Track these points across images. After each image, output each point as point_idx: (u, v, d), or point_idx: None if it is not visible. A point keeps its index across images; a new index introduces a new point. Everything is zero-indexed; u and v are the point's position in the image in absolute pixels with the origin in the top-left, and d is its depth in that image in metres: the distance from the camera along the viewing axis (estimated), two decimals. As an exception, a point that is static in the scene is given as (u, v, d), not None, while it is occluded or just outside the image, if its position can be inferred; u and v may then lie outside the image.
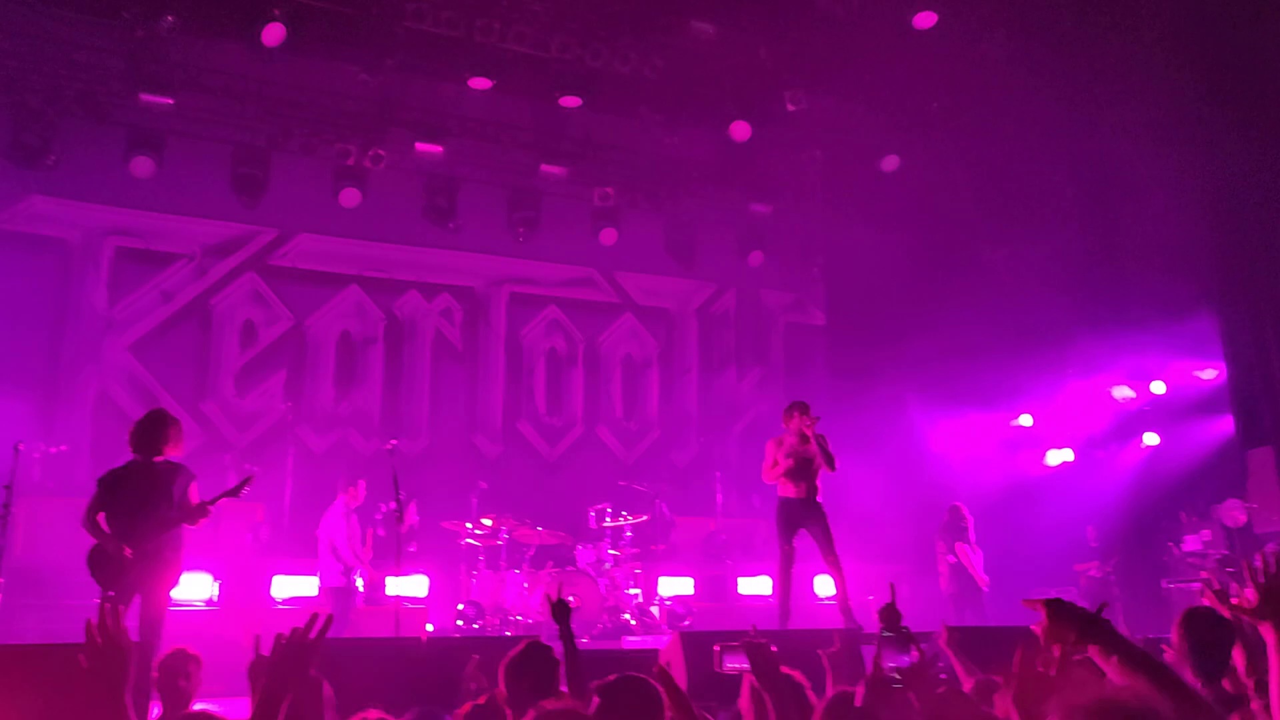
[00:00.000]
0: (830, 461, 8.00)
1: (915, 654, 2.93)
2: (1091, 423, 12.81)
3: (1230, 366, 10.70)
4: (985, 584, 10.44)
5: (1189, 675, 3.46)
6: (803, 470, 8.05)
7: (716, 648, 3.19)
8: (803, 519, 8.07)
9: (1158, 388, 12.20)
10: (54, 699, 4.11)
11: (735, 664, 3.15)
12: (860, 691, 2.92)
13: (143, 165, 10.82)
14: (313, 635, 2.45)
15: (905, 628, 3.00)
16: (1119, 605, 9.50)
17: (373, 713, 3.73)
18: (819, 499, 8.15)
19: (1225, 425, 11.01)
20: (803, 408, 8.16)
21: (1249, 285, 10.08)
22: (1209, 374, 11.32)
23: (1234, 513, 10.19)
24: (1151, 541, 11.13)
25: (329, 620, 2.49)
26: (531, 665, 4.14)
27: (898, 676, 2.93)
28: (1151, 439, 12.21)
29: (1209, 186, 10.31)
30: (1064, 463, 12.97)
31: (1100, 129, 10.76)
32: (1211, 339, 10.84)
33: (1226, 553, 9.99)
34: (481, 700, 4.08)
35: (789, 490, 8.09)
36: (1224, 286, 10.37)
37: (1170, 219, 10.76)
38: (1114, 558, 11.00)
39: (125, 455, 6.75)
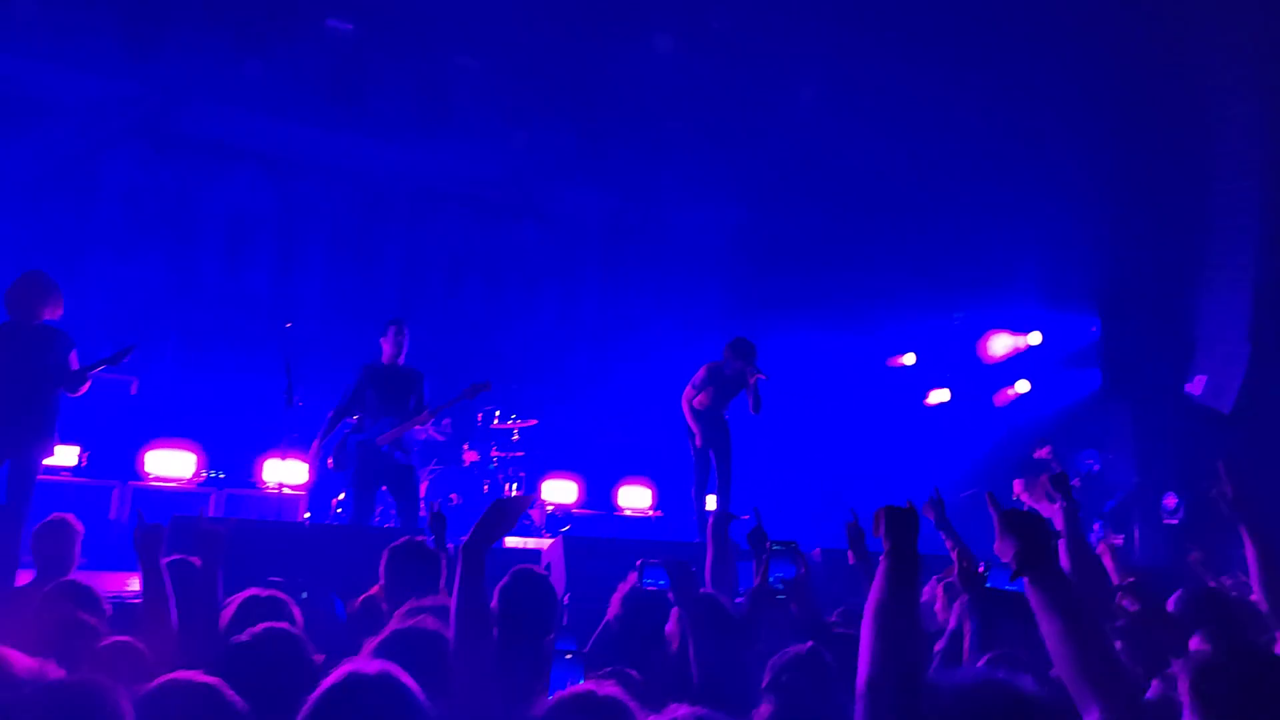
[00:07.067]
0: (757, 405, 8.08)
1: (801, 568, 3.08)
2: (970, 365, 13.39)
3: (1103, 322, 11.31)
4: None
5: None
6: (725, 397, 8.31)
7: (638, 563, 3.26)
8: (715, 433, 8.34)
9: (1035, 338, 12.80)
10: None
11: (655, 581, 3.23)
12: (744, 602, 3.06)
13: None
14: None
15: (791, 542, 3.14)
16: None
17: (254, 590, 3.75)
18: (726, 415, 8.44)
19: (1093, 379, 11.67)
20: (749, 356, 8.13)
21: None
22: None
23: (1088, 461, 10.93)
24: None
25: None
26: (411, 560, 4.21)
27: (782, 588, 3.08)
28: (1023, 385, 12.86)
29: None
30: (941, 402, 13.55)
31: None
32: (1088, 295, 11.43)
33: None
34: (372, 591, 4.13)
35: (704, 405, 8.35)
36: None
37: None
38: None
39: (-5, 315, 6.45)
